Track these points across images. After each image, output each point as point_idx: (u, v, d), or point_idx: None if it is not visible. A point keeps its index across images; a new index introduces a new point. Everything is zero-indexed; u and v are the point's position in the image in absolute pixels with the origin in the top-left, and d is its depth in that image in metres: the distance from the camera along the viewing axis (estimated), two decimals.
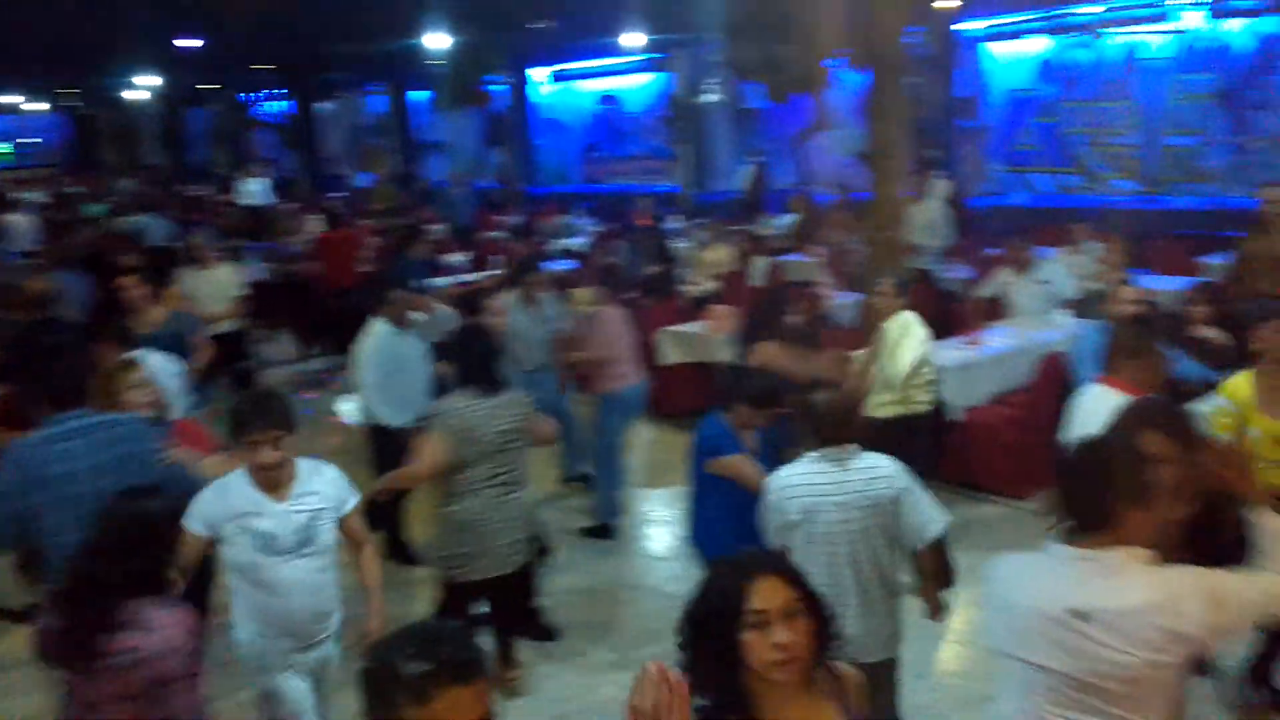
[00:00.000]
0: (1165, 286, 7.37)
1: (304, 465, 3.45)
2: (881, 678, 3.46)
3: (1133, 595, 2.14)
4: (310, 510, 3.39)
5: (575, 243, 12.57)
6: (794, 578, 1.90)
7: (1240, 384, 3.79)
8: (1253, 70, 11.48)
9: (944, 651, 4.73)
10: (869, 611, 3.44)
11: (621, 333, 6.39)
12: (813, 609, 1.89)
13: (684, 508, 4.55)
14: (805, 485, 3.43)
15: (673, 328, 8.12)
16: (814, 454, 3.48)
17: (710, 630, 1.87)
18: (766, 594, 1.84)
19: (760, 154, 14.92)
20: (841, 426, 3.49)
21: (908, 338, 5.48)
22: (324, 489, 3.46)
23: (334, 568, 3.52)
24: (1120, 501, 2.21)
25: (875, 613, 3.46)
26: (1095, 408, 3.30)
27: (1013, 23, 13.29)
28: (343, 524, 3.51)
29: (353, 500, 3.56)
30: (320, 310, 10.89)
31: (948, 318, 8.24)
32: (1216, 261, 8.82)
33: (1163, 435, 2.65)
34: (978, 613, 4.92)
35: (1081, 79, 12.90)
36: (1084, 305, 6.51)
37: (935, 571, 3.63)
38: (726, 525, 4.03)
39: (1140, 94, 12.40)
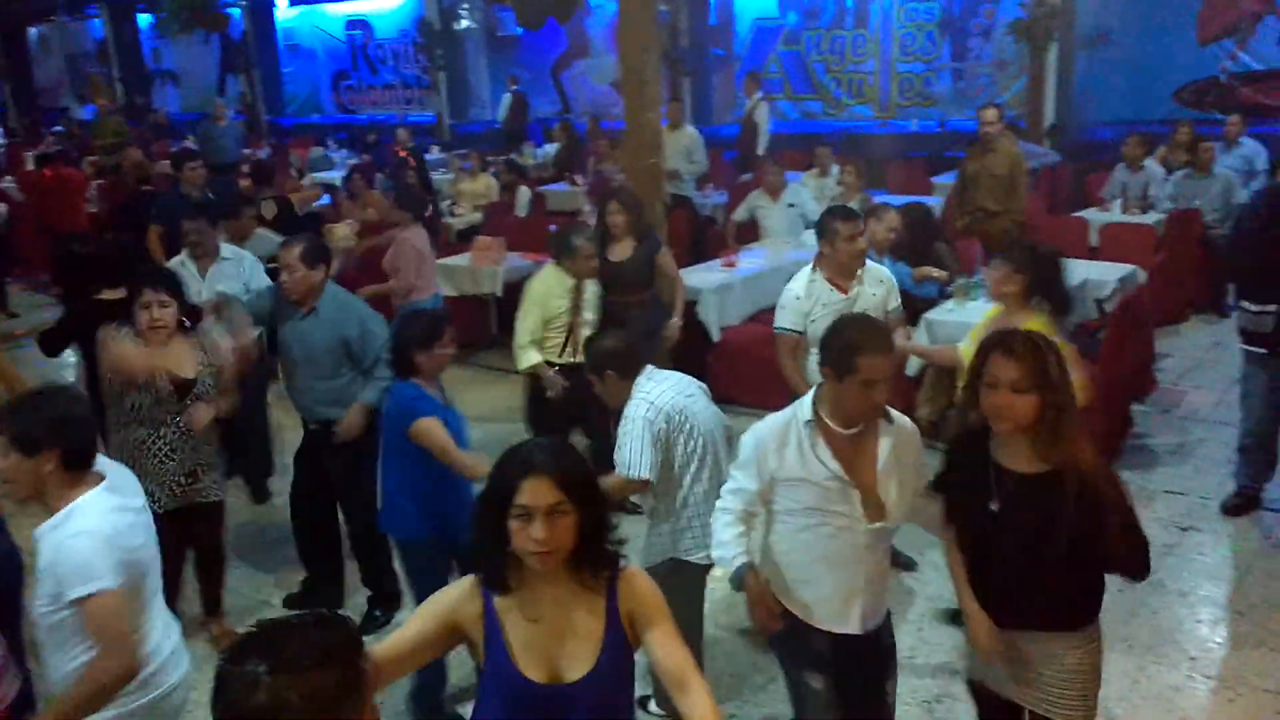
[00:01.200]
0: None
1: None
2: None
3: None
4: None
5: (330, 176, 12.07)
6: (567, 479, 1.99)
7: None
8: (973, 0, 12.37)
9: None
10: None
11: (425, 254, 6.42)
12: (585, 510, 2.01)
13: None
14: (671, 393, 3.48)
15: (438, 261, 8.00)
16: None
17: (485, 513, 2.02)
18: (534, 492, 1.96)
19: (518, 82, 14.76)
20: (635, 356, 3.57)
21: None
22: None
23: None
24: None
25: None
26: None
27: None
28: None
29: None
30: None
31: (704, 242, 8.56)
32: (942, 180, 9.55)
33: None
34: None
35: (822, 8, 13.50)
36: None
37: None
38: (414, 501, 3.67)
39: (873, 23, 13.13)
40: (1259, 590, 4.45)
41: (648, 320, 5.54)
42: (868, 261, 4.46)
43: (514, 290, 7.10)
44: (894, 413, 2.80)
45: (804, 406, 2.76)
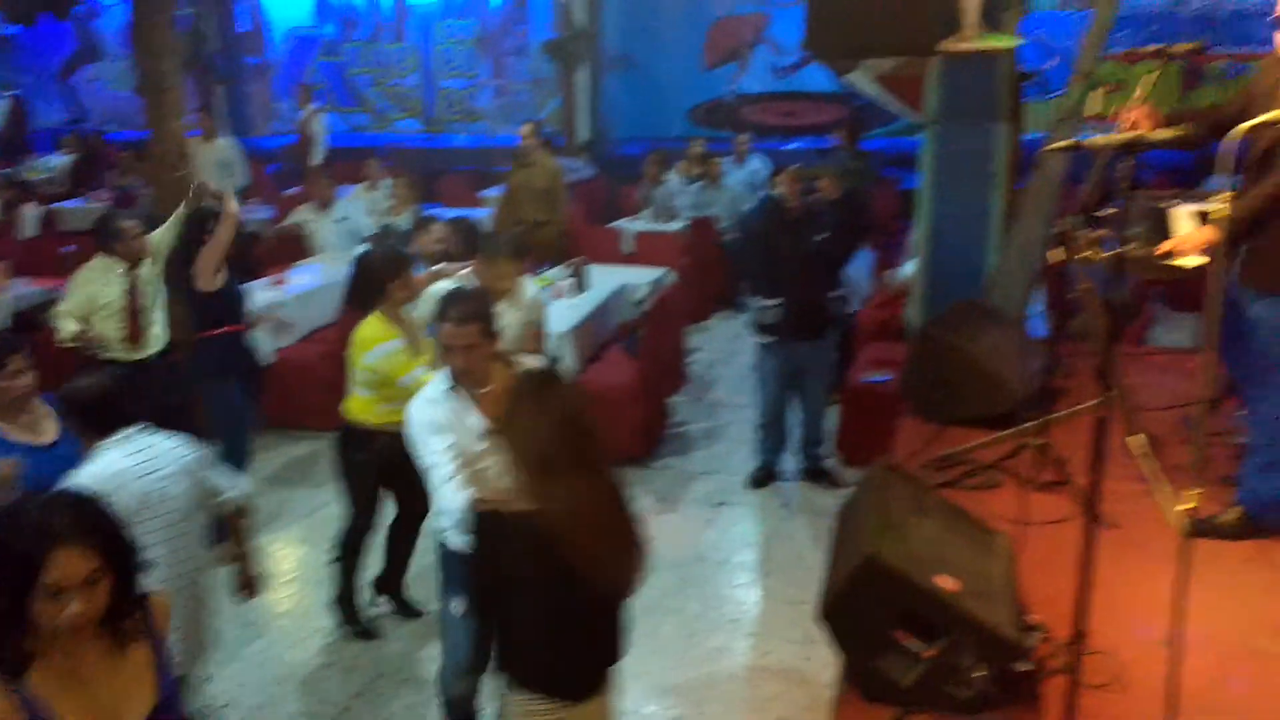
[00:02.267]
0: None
1: None
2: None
3: None
4: None
5: None
6: (99, 542, 1.79)
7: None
8: (507, 19, 12.83)
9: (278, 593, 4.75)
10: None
11: None
12: (116, 565, 1.81)
13: None
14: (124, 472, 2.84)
15: None
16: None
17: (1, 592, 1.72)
18: (66, 566, 1.73)
19: (13, 87, 13.01)
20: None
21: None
22: None
23: None
24: None
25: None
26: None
27: None
28: None
29: None
30: None
31: (249, 259, 8.09)
32: (492, 194, 9.82)
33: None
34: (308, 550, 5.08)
35: (359, 20, 13.31)
36: (383, 240, 6.82)
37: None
38: None
39: (413, 38, 13.19)
40: (782, 552, 5.06)
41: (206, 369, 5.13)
42: (524, 283, 4.56)
43: (26, 319, 6.32)
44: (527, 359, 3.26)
45: (440, 376, 3.16)
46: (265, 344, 4.60)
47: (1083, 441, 2.63)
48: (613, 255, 8.32)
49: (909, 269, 5.84)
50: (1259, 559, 3.26)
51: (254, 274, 7.38)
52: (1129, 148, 2.26)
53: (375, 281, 4.03)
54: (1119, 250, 3.52)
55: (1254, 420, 3.42)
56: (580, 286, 6.68)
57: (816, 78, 10.99)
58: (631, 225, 9.07)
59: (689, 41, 12.14)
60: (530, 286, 4.66)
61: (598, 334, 6.58)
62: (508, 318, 4.23)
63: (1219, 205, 2.62)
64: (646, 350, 6.10)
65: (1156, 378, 4.55)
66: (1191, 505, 1.66)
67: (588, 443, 2.27)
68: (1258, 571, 3.21)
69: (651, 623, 4.37)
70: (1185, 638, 2.25)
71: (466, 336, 3.04)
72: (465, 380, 3.10)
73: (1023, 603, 2.82)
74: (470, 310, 3.10)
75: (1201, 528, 3.40)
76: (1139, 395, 4.19)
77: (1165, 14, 9.92)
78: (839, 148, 8.39)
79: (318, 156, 10.49)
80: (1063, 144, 2.87)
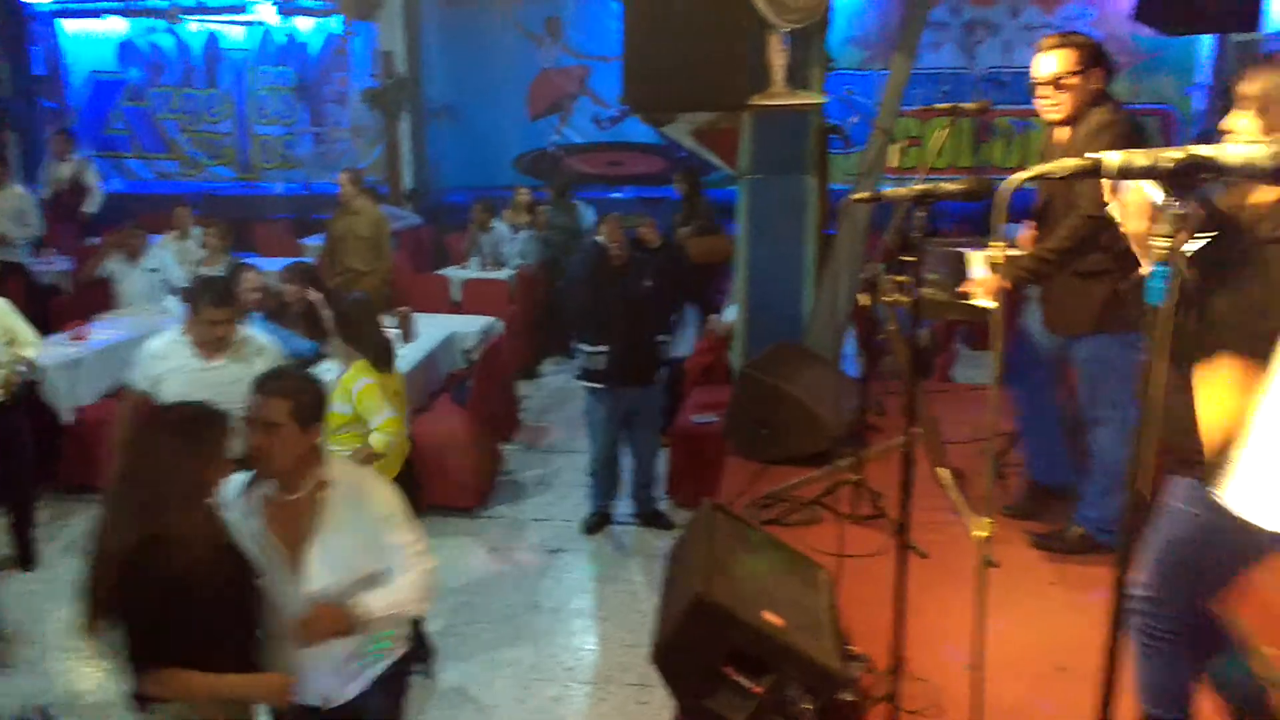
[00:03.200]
0: (271, 268, 7.78)
1: None
2: None
3: None
4: None
5: None
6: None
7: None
8: (324, 67, 12.61)
9: None
10: None
11: None
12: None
13: None
14: None
15: None
16: None
17: None
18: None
19: None
20: None
21: None
22: None
23: None
24: None
25: None
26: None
27: (87, 0, 12.60)
28: None
29: None
30: None
31: (47, 313, 7.60)
32: (312, 242, 9.57)
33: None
34: None
35: (167, 65, 12.81)
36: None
37: None
38: None
39: (226, 83, 12.78)
40: (617, 596, 5.08)
41: None
42: (250, 332, 4.30)
43: None
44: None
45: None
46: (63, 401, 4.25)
47: (895, 476, 2.77)
48: (440, 304, 8.25)
49: (731, 314, 6.03)
50: (1061, 582, 3.50)
51: (51, 329, 6.94)
52: (923, 199, 2.43)
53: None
54: (919, 293, 3.77)
55: (1093, 450, 3.64)
56: (406, 336, 6.58)
57: (640, 129, 11.26)
58: (459, 273, 9.01)
59: (513, 92, 12.22)
60: (260, 335, 4.38)
61: (426, 384, 6.48)
62: (230, 371, 3.97)
63: (994, 252, 2.84)
64: (476, 399, 6.06)
65: (961, 412, 4.83)
66: (985, 534, 1.78)
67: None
68: (1061, 593, 3.44)
69: (486, 677, 4.31)
70: (997, 660, 2.38)
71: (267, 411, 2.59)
72: (261, 469, 2.64)
73: (845, 634, 2.93)
74: (278, 384, 2.67)
75: (1044, 543, 3.69)
76: (945, 430, 4.45)
77: (956, 74, 10.69)
78: (683, 198, 8.57)
79: (93, 206, 10.06)
80: (865, 195, 3.05)
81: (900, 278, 2.98)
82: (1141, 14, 5.31)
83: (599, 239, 5.55)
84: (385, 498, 2.71)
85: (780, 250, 5.24)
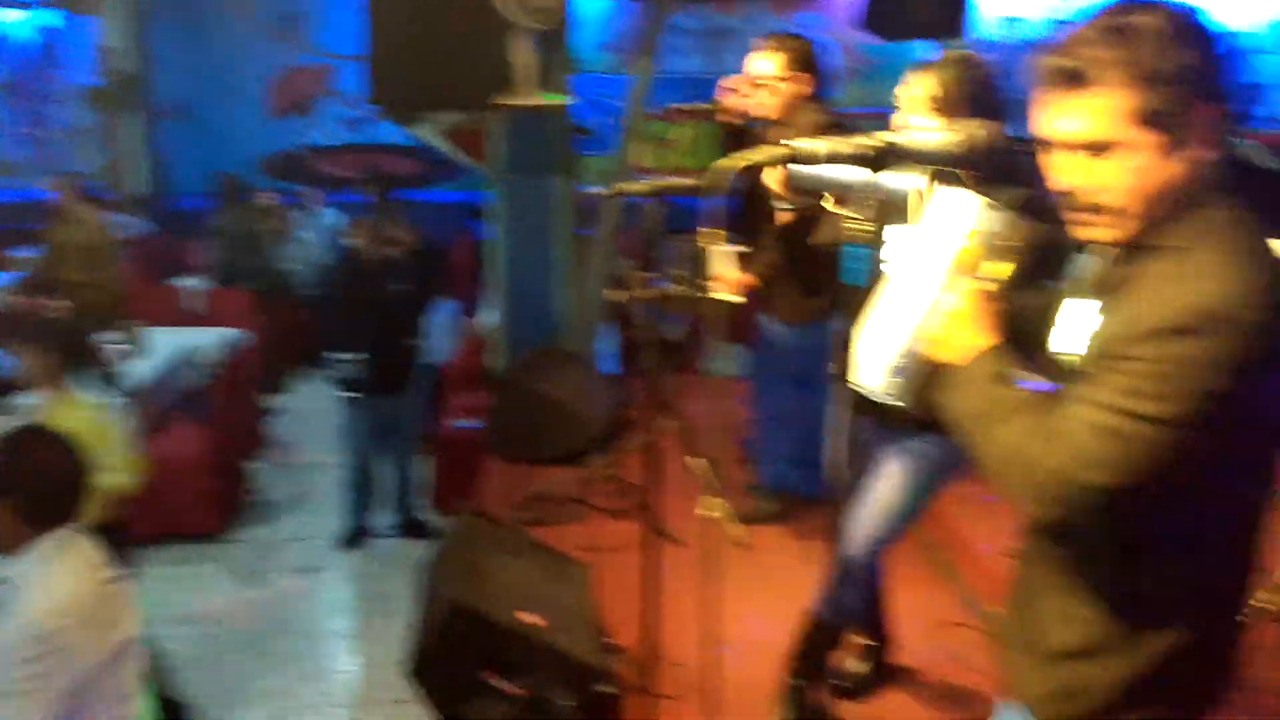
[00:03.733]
0: None
1: None
2: None
3: None
4: None
5: None
6: None
7: None
8: (39, 63, 11.54)
9: None
10: None
11: None
12: None
13: None
14: None
15: None
16: None
17: None
18: None
19: None
20: None
21: None
22: None
23: None
24: None
25: None
26: None
27: None
28: None
29: None
30: None
31: None
32: (29, 255, 8.72)
33: None
34: None
35: None
36: None
37: None
38: None
39: None
40: (379, 612, 4.89)
41: None
42: None
43: None
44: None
45: None
46: None
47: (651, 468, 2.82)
48: (177, 316, 7.70)
49: (489, 317, 5.96)
50: (808, 560, 3.65)
51: None
52: (659, 194, 2.47)
53: None
54: (666, 289, 3.85)
55: (788, 426, 3.89)
56: (136, 351, 6.10)
57: (392, 130, 10.97)
58: (197, 283, 8.45)
59: (253, 92, 11.61)
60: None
61: (161, 401, 6.03)
62: None
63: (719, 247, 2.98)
64: (218, 416, 5.70)
65: (712, 403, 4.98)
66: (715, 513, 1.83)
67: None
68: (812, 570, 3.59)
69: (236, 713, 4.05)
70: (751, 640, 2.46)
71: None
72: None
73: (604, 627, 2.95)
74: None
75: (748, 517, 3.89)
76: (697, 421, 4.57)
77: (702, 79, 11.05)
78: (376, 203, 8.28)
79: None
80: (604, 191, 3.09)
81: (647, 274, 3.03)
82: (867, 21, 5.66)
83: (350, 242, 5.35)
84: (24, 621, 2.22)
85: (534, 251, 5.23)
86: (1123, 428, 1.27)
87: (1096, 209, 1.34)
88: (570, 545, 3.40)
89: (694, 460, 3.93)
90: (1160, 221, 1.34)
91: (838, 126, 3.58)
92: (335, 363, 5.34)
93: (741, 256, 3.74)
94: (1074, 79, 1.30)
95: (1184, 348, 1.25)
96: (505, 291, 5.29)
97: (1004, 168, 1.93)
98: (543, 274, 5.20)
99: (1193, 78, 1.28)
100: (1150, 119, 1.29)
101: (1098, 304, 1.40)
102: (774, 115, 3.56)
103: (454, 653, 2.60)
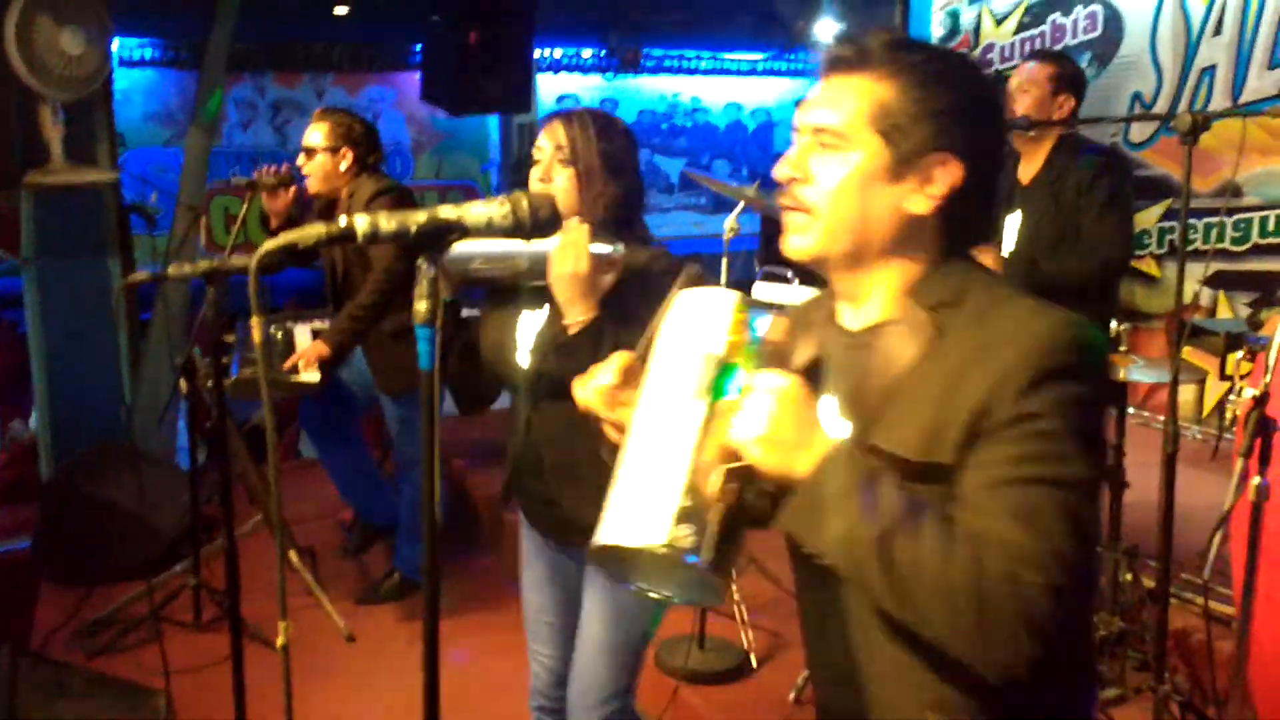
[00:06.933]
0: None
1: None
2: None
3: None
4: None
5: None
6: None
7: None
8: None
9: None
10: None
11: None
12: None
13: None
14: None
15: None
16: None
17: None
18: None
19: None
20: None
21: None
22: None
23: None
24: None
25: None
26: None
27: None
28: None
29: None
30: None
31: None
32: None
33: None
34: None
35: None
36: None
37: None
38: None
39: None
40: None
41: None
42: None
43: None
44: None
45: None
46: None
47: (243, 569, 2.63)
48: None
49: (34, 420, 5.24)
50: (418, 640, 3.54)
51: None
52: (211, 275, 2.31)
53: None
54: (241, 374, 3.60)
55: (404, 502, 3.87)
56: None
57: None
58: None
59: None
60: None
61: None
62: None
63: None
64: None
65: (307, 488, 4.72)
66: (282, 640, 1.66)
67: None
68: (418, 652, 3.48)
69: None
70: None
71: None
72: None
73: None
74: None
75: (369, 596, 3.84)
76: (295, 508, 4.31)
77: (273, 152, 10.59)
78: None
79: None
80: (140, 277, 2.82)
81: (217, 360, 2.81)
82: (426, 94, 5.72)
83: None
84: None
85: (86, 341, 4.68)
86: (1068, 500, 1.05)
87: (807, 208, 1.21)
88: (147, 671, 3.02)
89: (292, 553, 3.70)
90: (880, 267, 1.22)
91: (398, 197, 3.59)
92: None
93: (316, 332, 3.62)
94: (848, 63, 1.20)
95: (1074, 390, 1.08)
96: (51, 391, 4.69)
97: (624, 223, 1.98)
98: (98, 365, 4.66)
99: (945, 123, 1.17)
100: (887, 129, 1.17)
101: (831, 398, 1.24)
102: (318, 187, 3.61)
103: None
